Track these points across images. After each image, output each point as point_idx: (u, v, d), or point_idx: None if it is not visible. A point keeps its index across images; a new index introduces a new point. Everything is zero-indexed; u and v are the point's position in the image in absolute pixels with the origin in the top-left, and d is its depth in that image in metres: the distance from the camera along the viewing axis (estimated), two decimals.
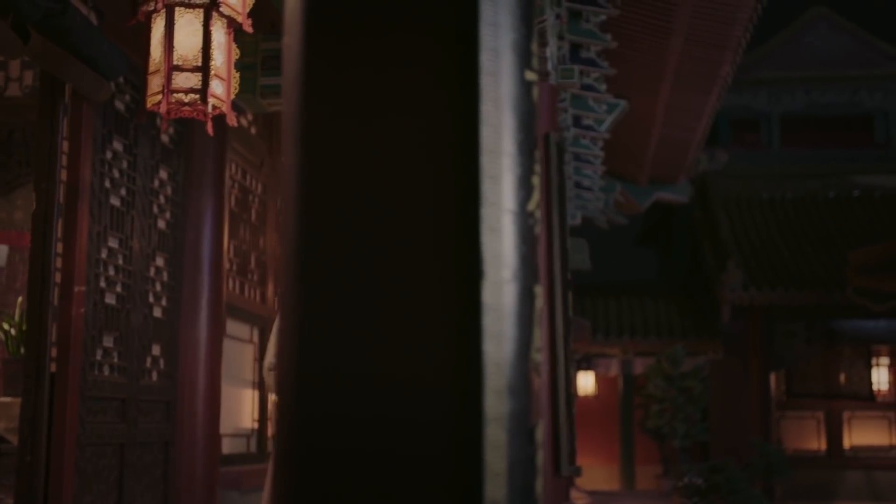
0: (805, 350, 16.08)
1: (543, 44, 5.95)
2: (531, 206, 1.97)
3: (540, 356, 1.95)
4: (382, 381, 1.80)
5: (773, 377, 16.36)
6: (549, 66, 6.30)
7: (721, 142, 19.95)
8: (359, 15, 1.83)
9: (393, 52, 1.84)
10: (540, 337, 1.96)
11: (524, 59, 1.97)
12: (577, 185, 12.01)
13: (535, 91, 2.01)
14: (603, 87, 9.31)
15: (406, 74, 1.84)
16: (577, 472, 6.62)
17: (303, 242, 1.87)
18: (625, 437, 15.95)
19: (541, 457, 1.93)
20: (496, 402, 1.80)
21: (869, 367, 16.89)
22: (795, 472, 16.08)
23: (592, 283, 16.77)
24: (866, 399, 16.77)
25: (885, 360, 16.89)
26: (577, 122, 9.93)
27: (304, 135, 1.90)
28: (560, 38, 7.70)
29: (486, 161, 1.84)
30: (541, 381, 2.02)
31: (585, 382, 16.11)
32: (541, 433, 1.93)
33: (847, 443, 16.62)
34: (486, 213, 1.83)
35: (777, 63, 20.24)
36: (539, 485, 1.89)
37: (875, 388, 16.83)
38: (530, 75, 1.99)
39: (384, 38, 1.80)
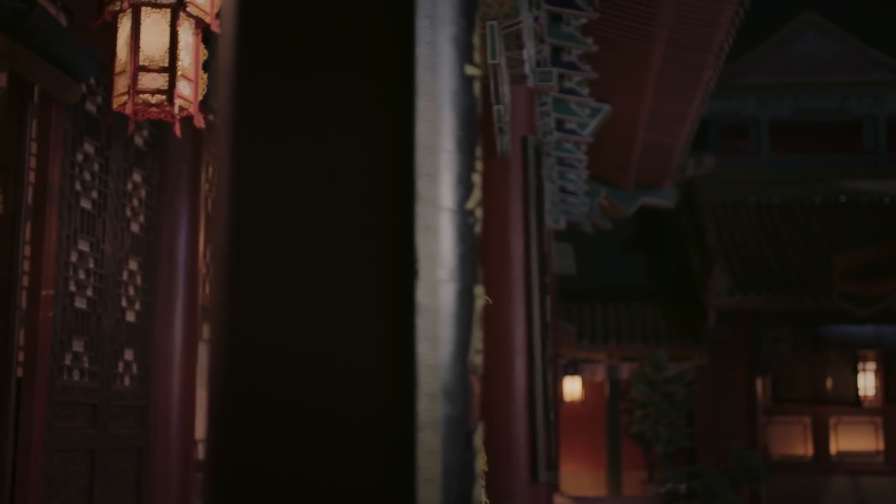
0: (791, 355, 16.07)
1: (520, 46, 5.92)
2: (471, 204, 1.92)
3: (480, 359, 1.91)
4: (314, 384, 1.75)
5: (759, 382, 16.34)
6: (527, 68, 6.26)
7: (710, 147, 19.96)
8: (293, 3, 1.78)
9: (327, 43, 1.79)
10: (480, 339, 1.92)
11: (464, 53, 1.93)
12: (562, 189, 11.99)
13: (477, 86, 1.97)
14: (585, 90, 9.28)
15: (340, 67, 1.79)
16: (555, 477, 6.56)
17: (234, 242, 1.82)
18: (611, 443, 15.91)
19: (480, 462, 1.88)
20: (430, 405, 1.75)
21: (855, 372, 16.89)
22: (780, 477, 16.09)
23: (582, 289, 16.75)
24: (853, 404, 16.76)
25: (871, 366, 16.89)
26: (560, 126, 9.90)
27: (238, 133, 1.85)
28: (540, 41, 7.67)
29: (421, 157, 1.80)
30: (480, 385, 1.97)
31: (572, 388, 16.06)
32: (480, 438, 1.88)
33: (834, 448, 16.61)
34: (422, 210, 1.78)
35: (766, 69, 20.27)
36: (478, 492, 1.84)
37: (861, 393, 16.82)
38: (471, 70, 1.95)
39: (318, 26, 1.76)
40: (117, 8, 4.37)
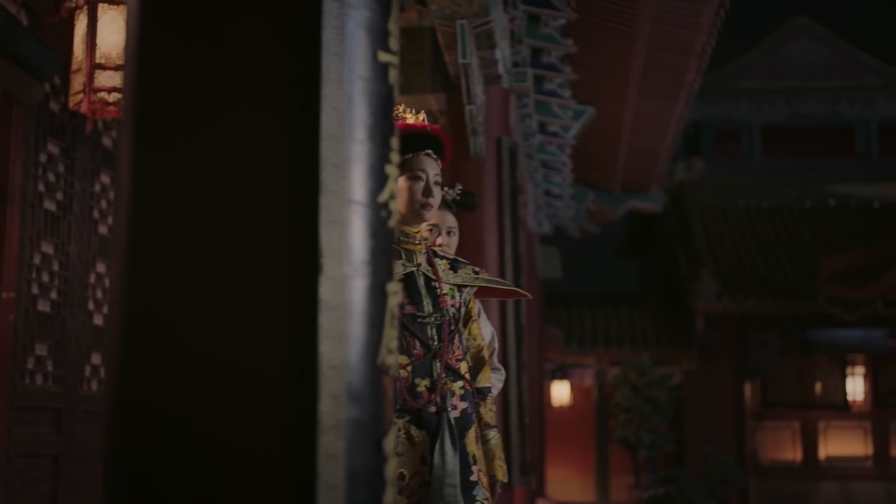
0: (780, 359, 16.01)
1: (492, 46, 5.85)
2: (383, 197, 1.85)
3: (394, 359, 1.82)
4: (214, 383, 1.67)
5: (748, 387, 16.29)
6: (501, 68, 6.20)
7: (703, 152, 19.94)
8: None
9: (226, 27, 1.72)
10: (394, 338, 1.83)
11: (378, 38, 1.85)
12: (547, 192, 11.92)
13: (393, 74, 1.89)
14: (567, 93, 9.22)
15: (240, 52, 1.72)
16: (530, 482, 6.51)
17: (134, 236, 1.74)
18: (600, 448, 15.85)
19: (392, 468, 1.80)
20: (334, 407, 1.67)
21: (844, 376, 16.83)
22: (769, 482, 16.03)
23: (572, 293, 16.68)
24: (841, 409, 16.70)
25: (860, 370, 16.83)
26: (543, 128, 9.84)
27: (138, 124, 1.78)
28: (518, 42, 7.60)
29: (327, 147, 1.72)
30: (394, 386, 1.89)
31: (560, 392, 15.98)
32: (392, 443, 1.80)
33: (822, 453, 16.55)
34: (327, 202, 1.71)
35: (758, 73, 20.26)
36: (388, 498, 1.76)
37: (850, 397, 16.76)
38: (385, 56, 1.87)
39: (217, 8, 1.68)
40: (74, 5, 4.31)
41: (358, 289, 1.74)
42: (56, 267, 5.43)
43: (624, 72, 9.19)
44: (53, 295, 5.41)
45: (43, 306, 5.32)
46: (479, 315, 3.54)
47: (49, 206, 5.39)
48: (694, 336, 15.62)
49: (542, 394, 14.04)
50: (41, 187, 5.31)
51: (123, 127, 1.76)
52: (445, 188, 3.39)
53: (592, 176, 12.73)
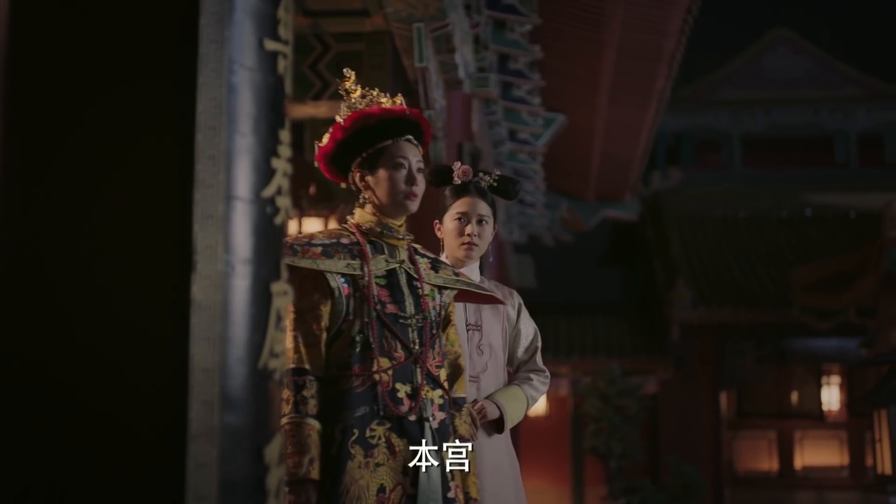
0: (755, 369, 15.98)
1: (451, 50, 5.78)
2: (269, 192, 1.76)
3: (279, 363, 1.73)
4: (82, 382, 1.58)
5: (723, 396, 16.25)
6: (462, 73, 6.13)
7: (683, 162, 19.96)
8: None
9: (100, 12, 1.63)
10: (280, 341, 1.74)
11: (265, 26, 1.76)
12: (520, 201, 11.85)
13: (283, 64, 1.81)
14: (537, 100, 9.17)
15: (115, 38, 1.63)
16: None
17: (7, 232, 1.65)
18: (575, 458, 15.76)
19: (276, 478, 1.70)
20: (205, 414, 1.57)
21: (820, 386, 16.83)
22: (745, 492, 15.99)
23: (548, 303, 16.60)
24: (817, 418, 16.69)
25: (835, 379, 16.82)
26: (512, 136, 9.79)
27: (9, 117, 1.69)
28: (484, 47, 7.55)
29: (202, 139, 1.62)
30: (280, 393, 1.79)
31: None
32: (277, 451, 1.70)
33: (799, 463, 16.52)
34: (202, 197, 1.62)
35: (738, 84, 20.30)
36: None
37: (826, 407, 16.75)
38: (273, 45, 1.78)
39: None
40: None
41: (238, 289, 1.65)
42: None
43: (594, 79, 9.15)
44: None
45: None
46: (521, 312, 3.37)
47: None
48: (669, 345, 15.57)
49: None
50: None
51: None
52: (481, 174, 3.26)
53: (566, 184, 12.69)
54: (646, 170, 16.52)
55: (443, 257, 3.24)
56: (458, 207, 3.20)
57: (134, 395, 1.54)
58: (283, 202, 1.74)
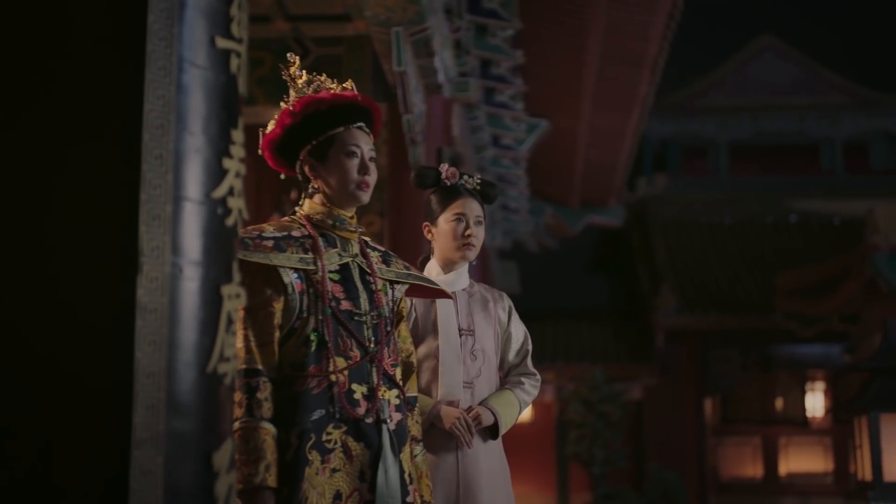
0: (740, 375, 15.98)
1: (430, 54, 5.76)
2: (219, 192, 1.72)
3: (230, 367, 1.70)
4: (28, 383, 1.54)
5: (708, 403, 16.25)
6: (441, 77, 6.11)
7: (670, 168, 20.00)
8: None
9: (45, 8, 1.60)
10: (231, 345, 1.70)
11: (218, 24, 1.72)
12: (504, 206, 11.84)
13: (235, 62, 1.77)
14: (520, 105, 9.16)
15: (60, 32, 1.59)
16: None
17: None
18: (560, 464, 15.74)
19: (226, 484, 1.67)
20: (150, 419, 1.53)
21: (804, 392, 16.84)
22: (730, 498, 15.97)
23: (537, 308, 16.58)
24: (802, 425, 16.70)
25: (819, 386, 16.84)
26: (495, 141, 9.77)
27: None
28: (466, 52, 7.53)
29: (149, 138, 1.59)
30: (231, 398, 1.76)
31: None
32: (227, 457, 1.67)
33: (783, 469, 16.51)
34: (148, 197, 1.59)
35: (725, 91, 20.34)
36: None
37: (810, 413, 16.76)
38: (225, 43, 1.75)
39: None
40: None
41: (186, 291, 1.61)
42: None
43: (577, 84, 9.14)
44: None
45: None
46: (511, 315, 3.34)
47: None
48: (654, 352, 15.57)
49: None
50: None
51: None
52: (465, 176, 3.23)
53: (550, 190, 12.69)
54: (632, 176, 16.54)
55: (433, 259, 3.22)
56: (455, 209, 3.16)
57: (75, 400, 1.51)
58: (236, 203, 1.71)
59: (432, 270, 3.22)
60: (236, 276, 1.72)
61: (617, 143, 10.92)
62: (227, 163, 1.69)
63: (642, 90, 9.43)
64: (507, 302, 3.37)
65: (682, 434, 15.73)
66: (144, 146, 1.55)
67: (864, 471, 5.89)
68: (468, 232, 3.15)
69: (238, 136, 1.73)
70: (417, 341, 3.14)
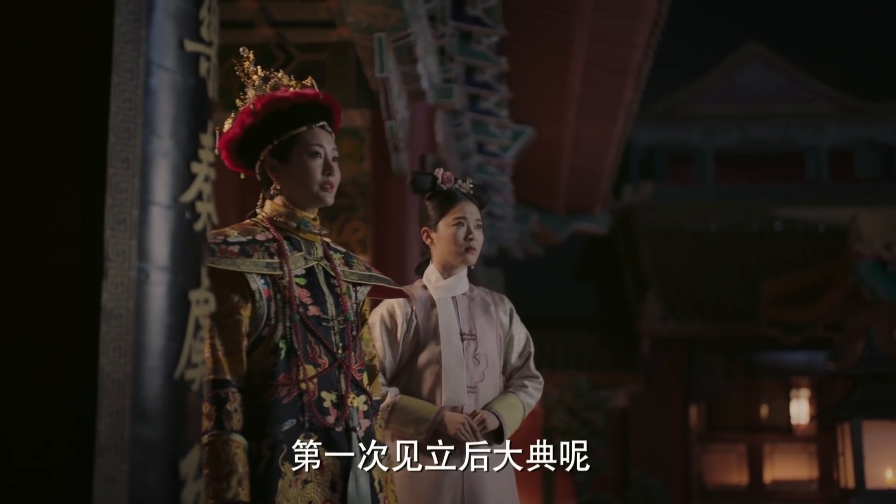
0: (725, 383, 16.02)
1: (413, 60, 5.75)
2: (188, 196, 1.70)
3: (198, 373, 1.67)
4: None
5: (694, 410, 16.27)
6: (425, 84, 6.10)
7: (656, 175, 20.04)
8: None
9: (10, 7, 1.58)
10: (200, 351, 1.68)
11: (186, 27, 1.70)
12: (489, 213, 11.83)
13: (205, 66, 1.75)
14: (505, 112, 9.16)
15: (26, 34, 1.58)
16: None
17: None
18: (545, 472, 15.72)
19: (193, 492, 1.64)
20: (115, 426, 1.50)
21: (789, 399, 16.88)
22: None
23: (524, 316, 16.52)
24: (786, 432, 16.73)
25: (804, 393, 16.88)
26: (480, 148, 9.77)
27: None
28: (450, 59, 7.52)
29: (116, 141, 1.57)
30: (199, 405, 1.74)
31: None
32: (194, 464, 1.64)
33: (768, 476, 16.53)
34: (114, 201, 1.56)
35: (712, 99, 20.40)
36: None
37: (794, 421, 16.79)
38: (194, 46, 1.73)
39: None
40: None
41: (153, 296, 1.59)
42: None
43: (562, 91, 9.14)
44: None
45: None
46: (513, 318, 3.33)
47: None
48: (640, 359, 15.58)
49: None
50: None
51: None
52: (459, 181, 3.21)
53: (535, 197, 12.68)
54: (618, 183, 16.56)
55: (431, 264, 3.21)
56: (455, 213, 3.14)
57: (38, 407, 1.48)
58: (205, 207, 1.69)
59: (431, 275, 3.20)
60: (205, 281, 1.70)
61: (602, 150, 10.92)
62: (195, 167, 1.67)
63: (627, 97, 9.43)
64: (508, 305, 3.36)
65: (667, 441, 15.74)
66: (110, 149, 1.53)
67: (847, 478, 5.89)
68: (470, 236, 3.14)
69: (207, 140, 1.71)
70: (419, 348, 3.13)
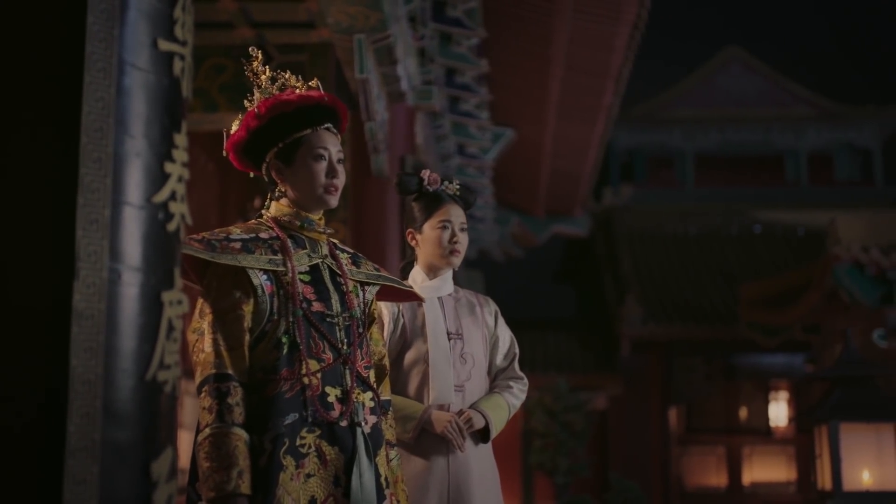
0: (704, 385, 16.06)
1: (393, 62, 5.74)
2: (161, 197, 1.69)
3: (171, 375, 1.66)
4: None
5: (673, 412, 16.31)
6: (404, 86, 6.09)
7: (637, 178, 20.10)
8: None
9: None
10: (173, 352, 1.67)
11: (160, 26, 1.69)
12: (469, 215, 11.82)
13: (178, 65, 1.74)
14: (485, 114, 9.16)
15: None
16: None
17: None
18: (525, 474, 15.72)
19: (165, 494, 1.63)
20: (85, 427, 1.49)
21: (767, 402, 16.95)
22: None
23: (511, 319, 16.51)
24: (765, 434, 16.80)
25: (783, 395, 16.95)
26: (461, 150, 9.77)
27: None
28: (430, 60, 7.52)
29: (87, 141, 1.55)
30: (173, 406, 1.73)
31: None
32: (166, 466, 1.63)
33: (747, 478, 16.59)
34: (86, 201, 1.55)
35: (692, 102, 20.48)
36: None
37: (773, 423, 16.86)
38: (168, 45, 1.72)
39: None
40: None
41: (125, 297, 1.57)
42: None
43: (542, 94, 9.16)
44: None
45: None
46: (498, 319, 3.35)
47: None
48: (619, 361, 15.61)
49: None
50: None
51: None
52: (445, 182, 3.22)
53: (515, 199, 12.69)
54: (598, 186, 16.60)
55: (416, 266, 3.21)
56: (440, 216, 3.16)
57: (7, 408, 1.47)
58: (178, 208, 1.68)
59: (417, 277, 3.22)
60: (178, 282, 1.69)
61: (582, 152, 10.94)
62: (169, 167, 1.66)
63: (607, 100, 9.45)
64: (493, 306, 3.38)
65: (646, 443, 15.77)
66: (82, 149, 1.52)
67: (825, 479, 5.92)
68: (454, 239, 3.16)
69: (181, 140, 1.70)
70: (406, 347, 3.15)
